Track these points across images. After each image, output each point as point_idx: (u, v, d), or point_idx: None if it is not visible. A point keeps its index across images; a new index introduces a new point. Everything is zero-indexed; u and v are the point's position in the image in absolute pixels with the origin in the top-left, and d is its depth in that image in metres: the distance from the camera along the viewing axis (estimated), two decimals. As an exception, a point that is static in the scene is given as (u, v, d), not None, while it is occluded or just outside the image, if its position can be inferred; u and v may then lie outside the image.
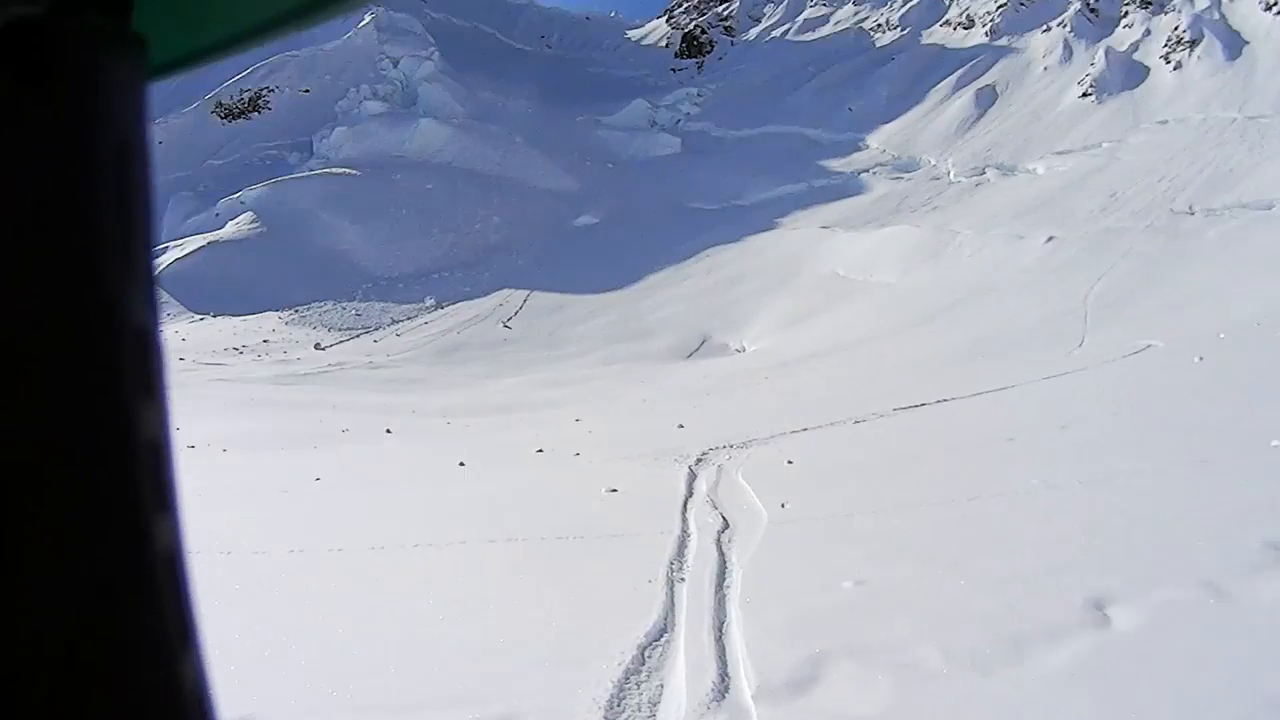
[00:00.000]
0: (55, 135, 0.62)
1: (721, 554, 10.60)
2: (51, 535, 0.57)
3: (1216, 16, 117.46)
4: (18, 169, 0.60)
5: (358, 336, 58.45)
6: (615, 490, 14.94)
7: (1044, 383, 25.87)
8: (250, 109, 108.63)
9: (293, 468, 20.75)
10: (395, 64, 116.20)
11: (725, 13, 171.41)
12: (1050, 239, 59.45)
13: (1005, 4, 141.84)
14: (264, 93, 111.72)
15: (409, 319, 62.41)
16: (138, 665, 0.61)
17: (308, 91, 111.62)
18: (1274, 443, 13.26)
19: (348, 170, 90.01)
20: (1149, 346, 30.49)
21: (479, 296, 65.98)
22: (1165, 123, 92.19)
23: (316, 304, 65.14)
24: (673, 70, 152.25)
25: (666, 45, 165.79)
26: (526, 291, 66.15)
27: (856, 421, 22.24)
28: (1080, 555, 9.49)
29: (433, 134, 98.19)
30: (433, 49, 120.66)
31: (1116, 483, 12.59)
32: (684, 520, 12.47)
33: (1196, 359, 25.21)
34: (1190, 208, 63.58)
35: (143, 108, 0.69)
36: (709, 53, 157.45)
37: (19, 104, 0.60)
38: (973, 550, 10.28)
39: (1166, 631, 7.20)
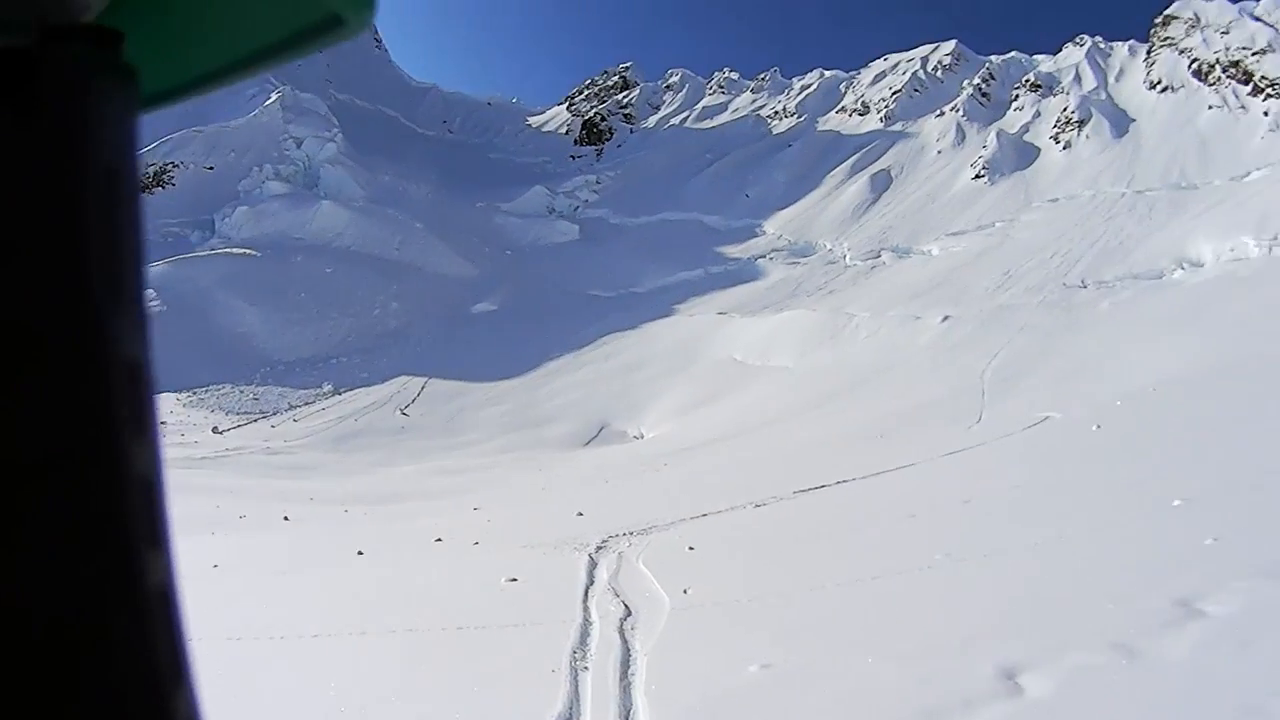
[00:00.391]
0: (45, 165, 0.61)
1: (625, 642, 10.56)
2: (40, 571, 0.56)
3: (1103, 96, 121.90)
4: (7, 198, 0.60)
5: (255, 421, 57.59)
6: (515, 579, 14.80)
7: (944, 459, 26.29)
8: (154, 184, 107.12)
9: (190, 554, 20.33)
10: (299, 144, 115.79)
11: (625, 100, 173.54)
12: (946, 318, 60.73)
13: (900, 90, 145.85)
14: (169, 168, 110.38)
15: (306, 404, 61.70)
16: (129, 701, 0.60)
17: (212, 168, 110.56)
18: (1175, 503, 13.64)
19: (248, 250, 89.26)
20: (1047, 418, 31.20)
21: (377, 383, 65.46)
22: (1056, 200, 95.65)
23: (215, 386, 64.17)
24: (572, 157, 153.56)
25: (566, 132, 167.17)
26: (424, 378, 65.76)
27: (757, 505, 22.28)
28: (988, 625, 9.62)
29: (333, 217, 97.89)
30: (336, 130, 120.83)
31: (1021, 553, 12.83)
32: (586, 608, 12.39)
33: (1094, 427, 25.82)
34: (1083, 281, 65.82)
35: (133, 139, 0.69)
36: (608, 140, 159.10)
37: (9, 133, 0.60)
38: (879, 627, 10.32)
39: (1079, 695, 7.27)
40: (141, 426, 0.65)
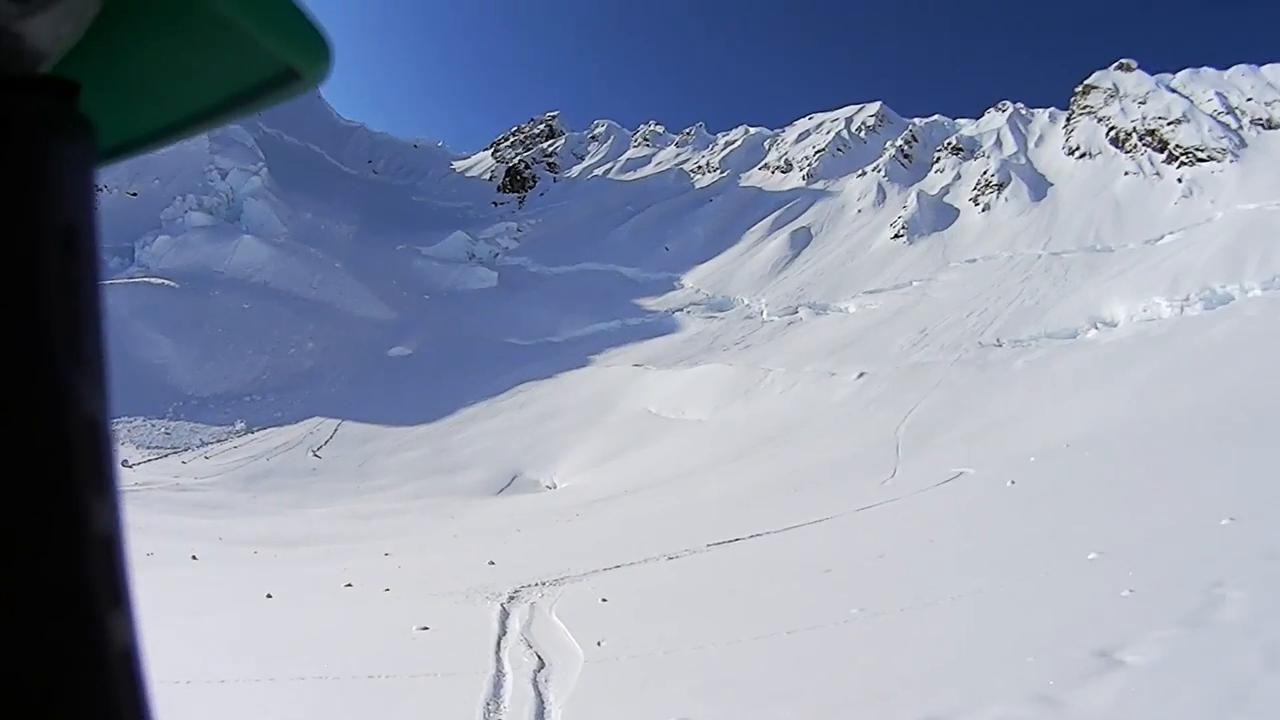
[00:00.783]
0: (1, 221, 0.61)
1: (539, 694, 10.60)
2: (1, 636, 0.55)
3: (1023, 161, 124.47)
4: None
5: (166, 456, 56.40)
6: (427, 628, 14.81)
7: (859, 514, 26.43)
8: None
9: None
10: (224, 176, 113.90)
11: (550, 149, 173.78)
12: (862, 375, 61.18)
13: (823, 149, 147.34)
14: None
15: (218, 441, 60.63)
16: None
17: (135, 195, 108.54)
18: (1091, 556, 13.94)
19: (167, 281, 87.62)
20: (961, 474, 31.54)
21: (290, 423, 64.56)
22: (974, 261, 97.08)
23: (126, 418, 62.74)
24: (494, 203, 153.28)
25: (490, 178, 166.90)
26: (337, 421, 64.95)
27: (671, 557, 22.31)
28: (909, 679, 9.70)
29: (254, 252, 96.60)
30: (262, 164, 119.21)
31: (938, 606, 12.97)
32: (499, 659, 12.42)
33: (1009, 483, 26.18)
34: (998, 340, 66.80)
35: (91, 192, 0.69)
36: (531, 187, 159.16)
37: None
38: (796, 681, 10.39)
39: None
40: (102, 484, 0.64)
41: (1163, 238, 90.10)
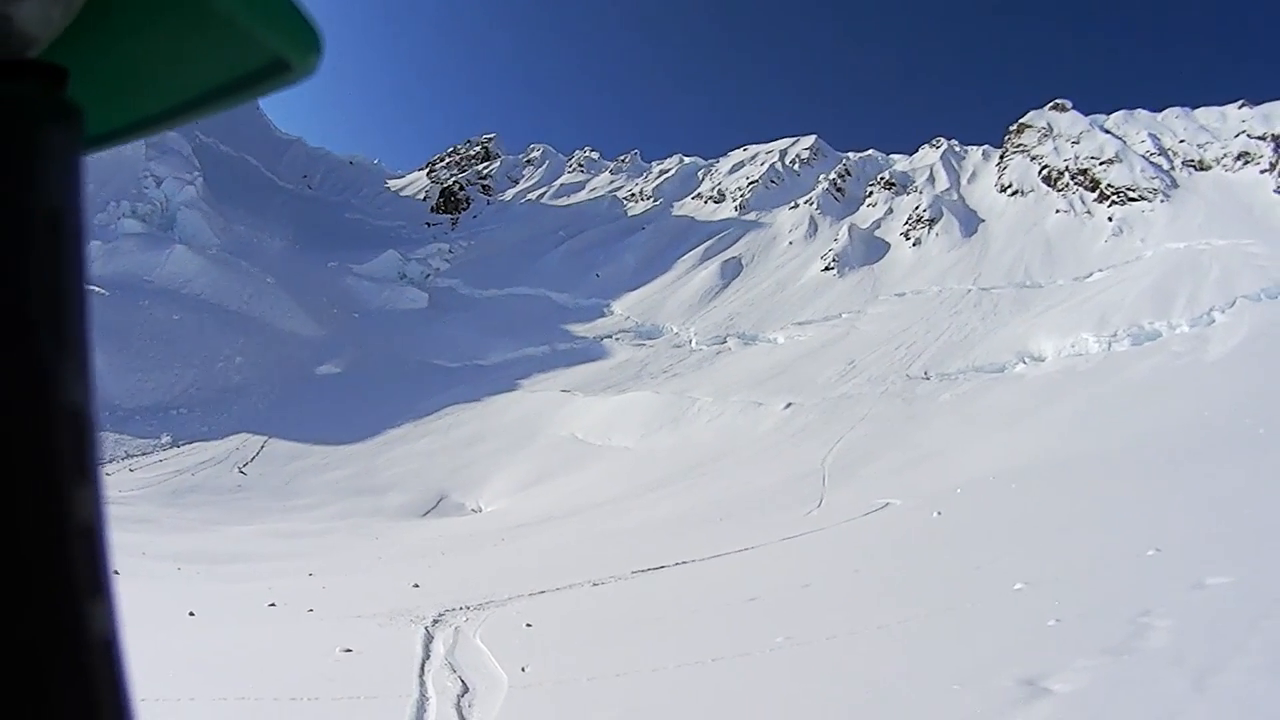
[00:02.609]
0: None
1: (462, 719, 10.61)
2: None
3: (955, 197, 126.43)
4: None
5: (90, 467, 55.41)
6: (350, 650, 14.68)
7: (784, 543, 26.46)
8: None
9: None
10: (159, 183, 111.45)
11: (485, 171, 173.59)
12: (789, 405, 61.70)
13: (756, 181, 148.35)
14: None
15: (143, 454, 59.54)
16: None
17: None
18: (1017, 586, 14.02)
19: (96, 289, 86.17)
20: (887, 505, 31.66)
21: (216, 438, 63.58)
22: (903, 295, 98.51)
23: (49, 428, 61.75)
24: (428, 224, 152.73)
25: (424, 198, 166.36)
26: (264, 437, 64.15)
27: (595, 584, 22.34)
28: (834, 708, 9.73)
29: (186, 262, 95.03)
30: (197, 174, 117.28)
31: (864, 635, 13.00)
32: (422, 683, 12.34)
33: (935, 514, 26.37)
34: (926, 373, 67.65)
35: (78, 179, 0.68)
36: (465, 209, 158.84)
37: None
38: (723, 709, 10.42)
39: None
40: (84, 472, 0.63)
41: (1092, 275, 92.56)
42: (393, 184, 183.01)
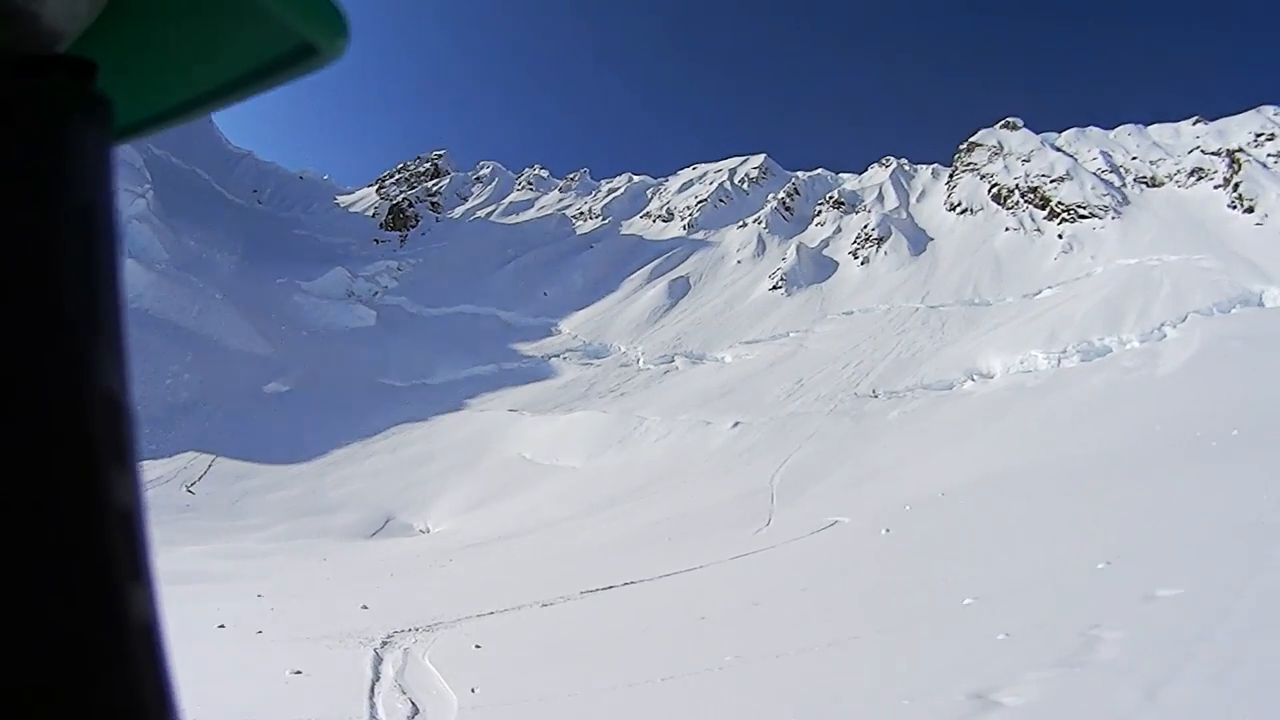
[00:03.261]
0: (19, 198, 0.62)
1: (413, 742, 10.71)
2: (21, 608, 0.56)
3: (904, 215, 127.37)
4: None
5: (37, 485, 54.75)
6: (300, 672, 14.57)
7: (734, 562, 26.54)
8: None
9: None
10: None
11: (435, 188, 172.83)
12: (737, 424, 61.85)
13: (705, 200, 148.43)
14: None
15: (89, 472, 59.01)
16: None
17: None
18: (966, 601, 14.17)
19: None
20: (836, 522, 31.74)
21: (164, 456, 62.65)
22: (851, 313, 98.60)
23: (-7, 444, 60.96)
24: (376, 241, 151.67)
25: (374, 214, 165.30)
26: (212, 456, 63.38)
27: (544, 604, 22.36)
28: None
29: (135, 277, 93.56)
30: (148, 187, 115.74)
31: (813, 652, 13.06)
32: (372, 705, 12.28)
33: (883, 531, 26.49)
34: (874, 391, 67.80)
35: (109, 169, 0.70)
36: (414, 226, 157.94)
37: None
38: None
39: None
40: (122, 458, 0.64)
41: (1041, 292, 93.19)
42: (342, 200, 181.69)
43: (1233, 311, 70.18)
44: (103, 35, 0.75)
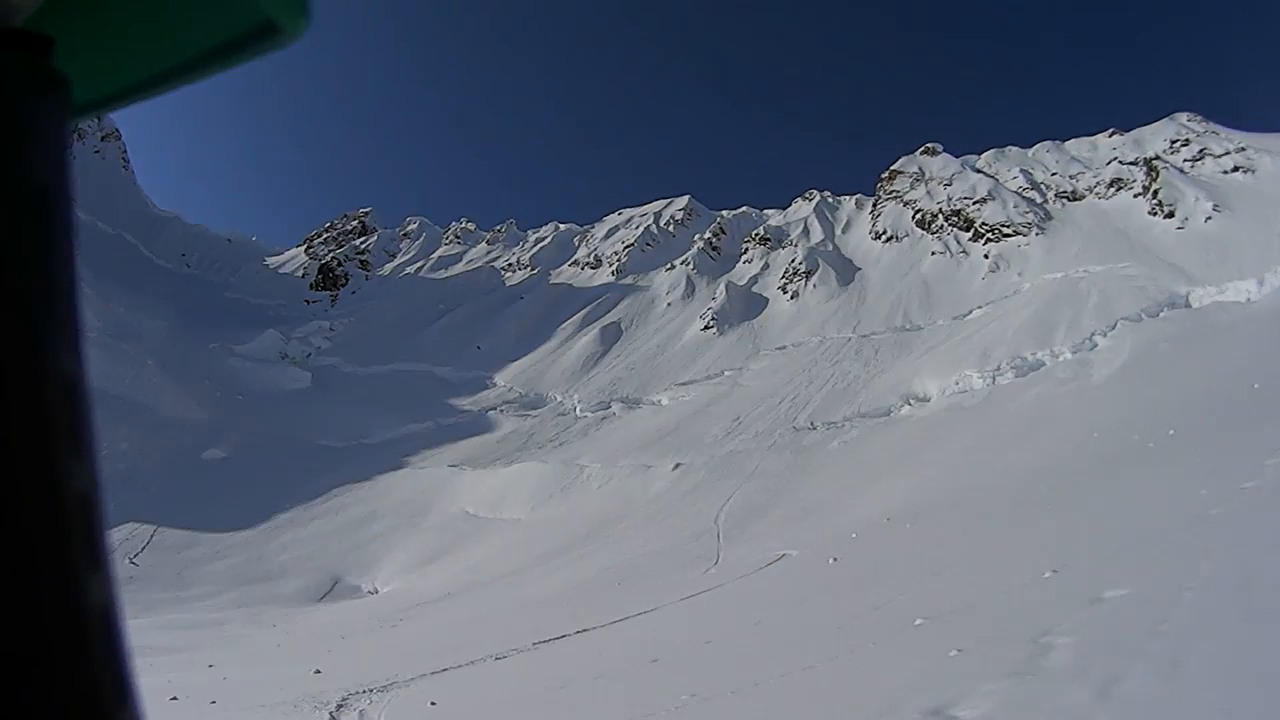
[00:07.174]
0: None
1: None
2: None
3: (830, 247, 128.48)
4: None
5: (-29, 562, 53.90)
6: (257, 739, 14.83)
7: (684, 602, 26.76)
8: None
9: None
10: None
11: (363, 246, 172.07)
12: (678, 466, 62.16)
13: (632, 244, 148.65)
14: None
15: (27, 548, 58.28)
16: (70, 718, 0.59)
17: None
18: (917, 622, 14.41)
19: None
20: (784, 556, 32.17)
21: (105, 528, 62.22)
22: (784, 348, 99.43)
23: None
24: (307, 301, 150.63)
25: (303, 274, 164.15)
26: (153, 526, 62.33)
27: (498, 658, 22.33)
28: None
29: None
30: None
31: (768, 685, 13.14)
32: None
33: (831, 560, 26.83)
34: (812, 423, 68.46)
35: (65, 149, 0.69)
36: (344, 285, 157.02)
37: None
38: None
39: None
40: (79, 443, 0.65)
41: (971, 313, 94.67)
42: (271, 261, 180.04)
43: (1161, 315, 71.91)
44: (60, 10, 0.73)
